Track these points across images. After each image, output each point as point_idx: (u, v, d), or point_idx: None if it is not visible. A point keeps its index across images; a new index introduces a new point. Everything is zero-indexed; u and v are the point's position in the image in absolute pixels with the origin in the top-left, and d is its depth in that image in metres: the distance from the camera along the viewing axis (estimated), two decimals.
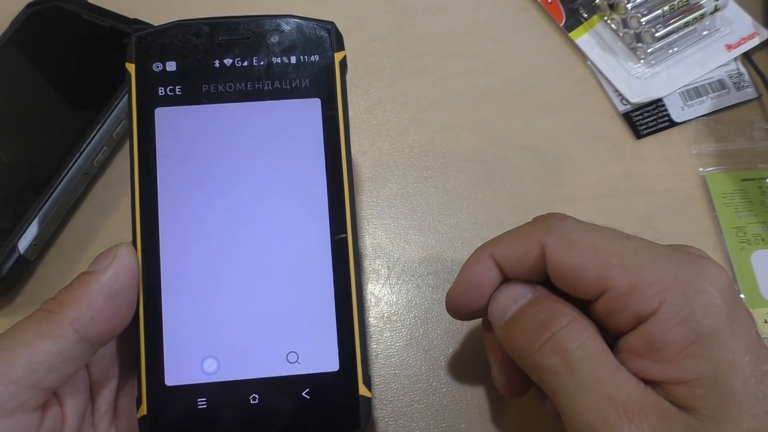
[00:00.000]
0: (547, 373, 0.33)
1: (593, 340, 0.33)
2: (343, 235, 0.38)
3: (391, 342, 0.49)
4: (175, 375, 0.36)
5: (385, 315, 0.50)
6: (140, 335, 0.36)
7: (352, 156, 0.39)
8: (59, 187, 0.50)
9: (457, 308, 0.40)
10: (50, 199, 0.50)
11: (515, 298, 0.37)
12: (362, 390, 0.36)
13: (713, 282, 0.32)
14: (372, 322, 0.50)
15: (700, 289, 0.32)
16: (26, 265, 0.50)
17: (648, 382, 0.32)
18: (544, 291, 0.37)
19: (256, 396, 0.36)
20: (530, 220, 0.38)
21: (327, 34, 0.40)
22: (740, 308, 0.33)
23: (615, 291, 0.33)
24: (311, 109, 0.39)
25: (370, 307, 0.50)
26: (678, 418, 0.30)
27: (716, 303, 0.31)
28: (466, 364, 0.48)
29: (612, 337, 0.35)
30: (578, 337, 0.33)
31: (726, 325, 0.31)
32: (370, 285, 0.51)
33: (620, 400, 0.31)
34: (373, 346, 0.49)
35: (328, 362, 0.37)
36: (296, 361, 0.37)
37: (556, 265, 0.35)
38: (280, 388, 0.36)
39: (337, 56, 0.40)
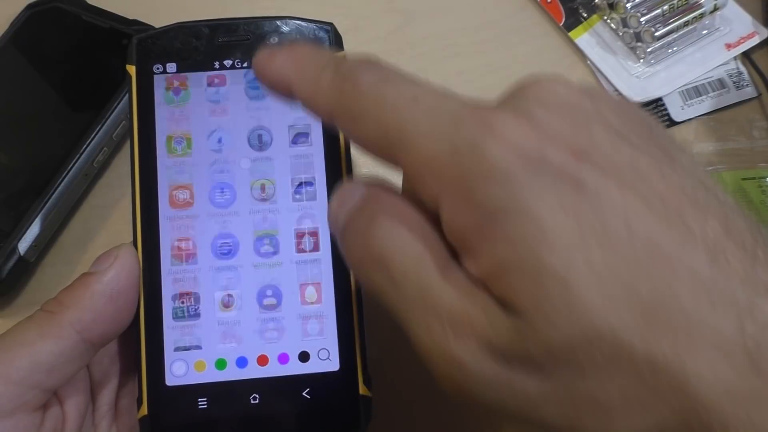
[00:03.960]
0: (376, 292, 0.27)
1: (417, 243, 0.26)
2: None
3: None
4: (175, 375, 0.36)
5: (386, 315, 0.50)
6: (141, 335, 0.36)
7: (352, 156, 0.39)
8: (59, 188, 0.50)
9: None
10: (50, 200, 0.50)
11: (345, 200, 0.29)
12: (363, 390, 0.36)
13: (496, 136, 0.24)
14: None
15: (479, 156, 0.24)
16: (26, 267, 0.50)
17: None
18: (377, 186, 0.29)
19: (257, 396, 0.36)
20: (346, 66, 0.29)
21: (326, 35, 0.40)
22: (549, 155, 0.24)
23: (406, 171, 0.26)
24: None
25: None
26: (504, 321, 0.24)
27: (501, 166, 0.24)
28: None
29: None
30: (402, 244, 0.26)
31: (524, 189, 0.23)
32: None
33: (445, 309, 0.25)
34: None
35: (329, 362, 0.37)
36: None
37: (351, 130, 0.28)
38: (281, 388, 0.36)
39: None
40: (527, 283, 0.23)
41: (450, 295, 0.25)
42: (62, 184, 0.50)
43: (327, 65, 0.28)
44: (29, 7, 0.58)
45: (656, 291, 0.22)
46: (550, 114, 0.25)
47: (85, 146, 0.52)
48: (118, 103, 0.53)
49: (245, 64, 0.39)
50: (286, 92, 0.29)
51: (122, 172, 0.55)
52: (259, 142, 0.39)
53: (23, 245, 0.48)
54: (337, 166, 0.39)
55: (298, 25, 0.40)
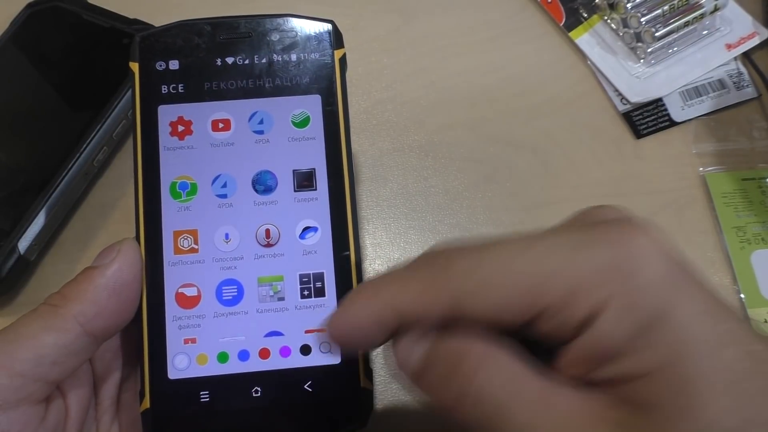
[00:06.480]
0: (477, 427, 0.28)
1: (514, 370, 0.29)
2: (344, 229, 0.38)
3: (390, 342, 0.49)
4: (177, 368, 0.36)
5: None
6: (143, 329, 0.36)
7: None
8: (59, 187, 0.50)
9: (339, 344, 0.35)
10: (50, 199, 0.50)
11: (413, 345, 0.31)
12: (364, 382, 0.37)
13: (645, 255, 0.27)
14: None
15: (634, 270, 0.27)
16: (26, 265, 0.50)
17: (598, 384, 0.28)
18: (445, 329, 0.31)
19: (259, 389, 0.36)
20: (418, 259, 0.31)
21: (327, 33, 0.40)
22: (684, 270, 0.28)
23: (551, 309, 0.28)
24: (312, 105, 0.39)
25: None
26: (634, 426, 0.26)
27: (656, 279, 0.27)
28: None
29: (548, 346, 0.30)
30: (497, 375, 0.28)
31: (674, 299, 0.27)
32: None
33: (565, 429, 0.27)
34: None
35: (330, 355, 0.37)
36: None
37: (477, 311, 0.29)
38: (283, 381, 0.36)
39: (337, 54, 0.40)
40: (676, 385, 0.26)
41: (567, 414, 0.27)
42: (62, 183, 0.51)
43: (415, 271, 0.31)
44: (29, 6, 0.58)
45: None
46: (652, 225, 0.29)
47: (85, 145, 0.52)
48: (119, 103, 0.53)
49: (247, 61, 0.40)
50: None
51: (122, 171, 0.55)
52: (260, 124, 0.39)
53: (23, 244, 0.48)
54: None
55: (300, 23, 0.40)
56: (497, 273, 0.29)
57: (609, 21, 0.60)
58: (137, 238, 0.37)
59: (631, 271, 0.27)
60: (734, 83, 0.58)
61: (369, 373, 0.37)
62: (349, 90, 0.40)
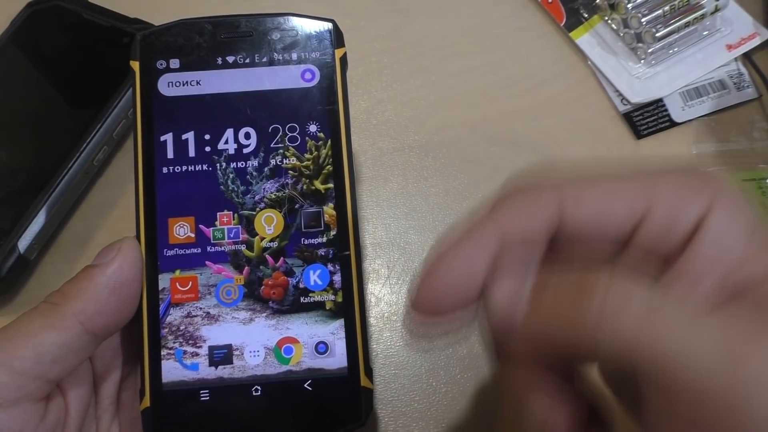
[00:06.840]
0: (626, 345, 0.24)
1: (645, 289, 0.25)
2: (345, 228, 0.38)
3: (391, 342, 0.49)
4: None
5: (385, 315, 0.50)
6: (143, 328, 0.36)
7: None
8: (59, 187, 0.50)
9: (436, 306, 0.29)
10: (50, 199, 0.50)
11: (519, 277, 0.28)
12: (364, 382, 0.37)
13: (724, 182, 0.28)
14: (372, 322, 0.50)
15: (725, 186, 0.28)
16: (26, 265, 0.50)
17: (721, 305, 0.26)
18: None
19: (259, 388, 0.36)
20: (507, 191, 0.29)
21: (327, 32, 0.40)
22: None
23: (660, 207, 0.27)
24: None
25: (371, 307, 0.50)
26: None
27: (741, 199, 0.28)
28: (466, 364, 0.48)
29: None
30: (633, 279, 0.25)
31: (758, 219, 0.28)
32: (370, 285, 0.51)
33: (717, 350, 0.23)
34: (373, 346, 0.49)
35: (330, 355, 0.37)
36: None
37: (584, 216, 0.28)
38: (283, 381, 0.37)
39: (338, 53, 0.40)
40: None
41: (728, 310, 0.26)
42: (62, 183, 0.51)
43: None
44: (30, 5, 0.58)
45: None
46: None
47: (85, 145, 0.52)
48: (119, 102, 0.53)
49: (247, 60, 0.40)
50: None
51: (122, 170, 0.55)
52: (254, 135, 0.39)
53: (23, 243, 0.48)
54: None
55: (300, 22, 0.40)
56: (603, 176, 0.29)
57: (609, 21, 0.60)
58: (137, 237, 0.37)
59: (723, 186, 0.28)
60: (735, 84, 0.58)
61: (369, 372, 0.37)
62: (349, 89, 0.40)
